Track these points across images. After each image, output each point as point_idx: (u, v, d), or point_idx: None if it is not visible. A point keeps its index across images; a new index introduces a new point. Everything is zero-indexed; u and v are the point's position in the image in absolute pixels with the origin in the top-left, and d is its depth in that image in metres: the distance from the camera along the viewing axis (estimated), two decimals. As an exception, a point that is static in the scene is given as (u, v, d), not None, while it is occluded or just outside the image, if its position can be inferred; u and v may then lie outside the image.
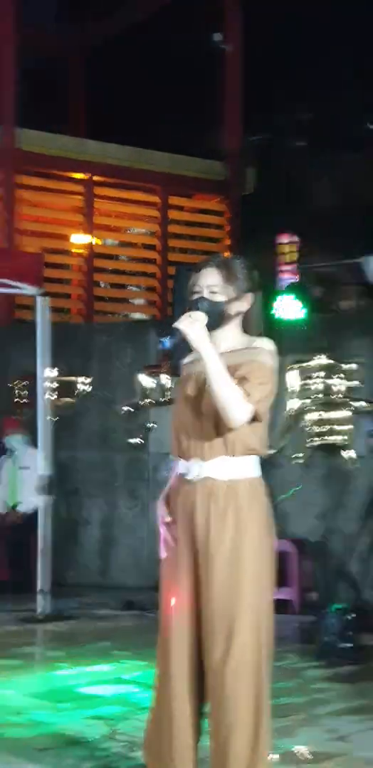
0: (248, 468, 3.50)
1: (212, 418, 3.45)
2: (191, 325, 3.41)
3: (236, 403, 3.37)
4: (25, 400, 9.67)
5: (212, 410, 3.44)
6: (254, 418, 3.44)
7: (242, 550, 3.42)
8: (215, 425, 3.45)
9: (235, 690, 3.39)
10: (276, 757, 4.26)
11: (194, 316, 3.43)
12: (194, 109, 15.56)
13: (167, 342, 3.38)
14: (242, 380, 3.41)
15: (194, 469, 3.48)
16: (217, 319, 3.51)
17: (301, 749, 4.50)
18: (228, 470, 3.47)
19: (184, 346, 3.51)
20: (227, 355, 3.49)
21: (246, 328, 3.60)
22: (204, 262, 3.59)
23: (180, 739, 3.50)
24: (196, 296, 3.53)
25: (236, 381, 3.41)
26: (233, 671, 3.39)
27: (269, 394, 3.47)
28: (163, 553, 3.59)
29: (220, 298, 3.51)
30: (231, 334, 3.55)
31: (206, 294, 3.51)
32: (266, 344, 3.52)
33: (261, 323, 3.61)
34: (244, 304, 3.56)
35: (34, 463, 8.91)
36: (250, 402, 3.40)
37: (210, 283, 3.51)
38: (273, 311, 9.57)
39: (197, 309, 3.47)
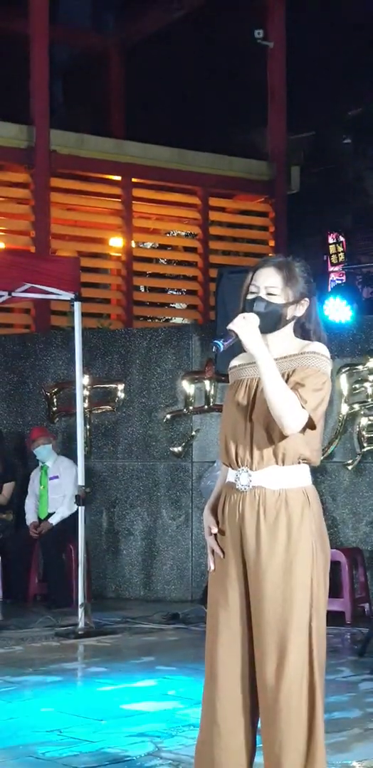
0: (300, 477, 3.44)
1: (264, 426, 3.40)
2: (245, 326, 3.35)
3: (291, 410, 3.32)
4: (56, 408, 9.67)
5: (264, 417, 3.39)
6: (308, 426, 3.39)
7: (294, 564, 3.36)
8: (266, 433, 3.40)
9: (288, 708, 3.34)
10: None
11: (247, 317, 3.38)
12: (236, 107, 15.56)
13: (222, 343, 3.32)
14: (296, 386, 3.36)
15: (243, 477, 3.43)
16: (273, 322, 3.45)
17: (356, 765, 4.41)
18: (279, 479, 3.41)
19: (236, 349, 3.46)
20: (281, 361, 3.44)
21: (303, 334, 3.54)
22: (263, 262, 3.54)
23: (229, 758, 3.44)
24: (252, 296, 3.47)
25: (290, 387, 3.36)
26: (285, 689, 3.33)
27: (324, 402, 3.41)
28: (210, 565, 3.54)
29: (278, 300, 3.46)
30: (285, 339, 3.50)
31: (263, 294, 3.46)
32: (321, 349, 3.47)
33: (321, 329, 3.55)
34: (300, 309, 3.51)
35: (64, 472, 8.92)
36: (306, 409, 3.35)
37: (269, 284, 3.46)
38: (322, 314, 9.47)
39: (252, 310, 3.41)
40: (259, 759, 3.58)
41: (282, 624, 3.34)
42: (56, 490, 8.92)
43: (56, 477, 8.92)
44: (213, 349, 3.36)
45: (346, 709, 5.41)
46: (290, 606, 3.35)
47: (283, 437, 3.39)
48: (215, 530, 3.50)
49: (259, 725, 3.49)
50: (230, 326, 3.36)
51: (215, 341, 3.35)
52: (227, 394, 3.61)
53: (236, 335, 3.35)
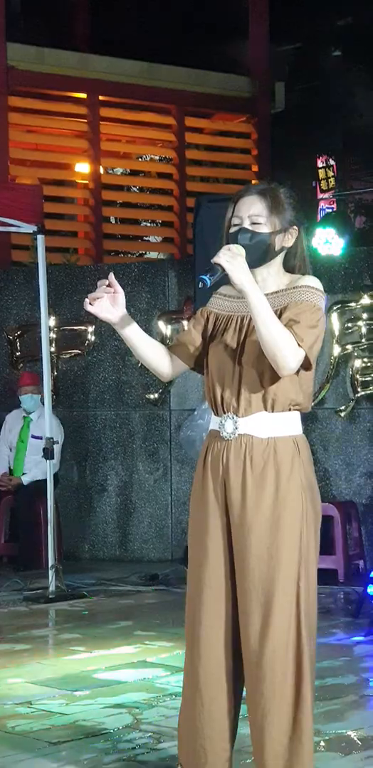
0: (291, 424, 3.47)
1: (253, 369, 3.41)
2: (232, 259, 3.35)
3: (287, 349, 3.32)
4: (19, 353, 9.65)
5: (254, 359, 3.40)
6: (304, 367, 3.40)
7: (282, 518, 3.39)
8: (256, 376, 3.41)
9: (271, 673, 3.39)
10: (321, 743, 4.26)
11: (233, 248, 3.38)
12: (213, 16, 15.40)
13: (208, 278, 3.32)
14: (290, 323, 3.36)
15: (228, 425, 3.45)
16: (260, 253, 3.45)
17: (351, 734, 4.49)
18: (268, 427, 3.43)
19: (223, 284, 3.46)
20: (271, 297, 3.44)
21: (289, 267, 3.55)
22: (244, 190, 3.53)
23: (213, 726, 3.50)
24: (235, 228, 3.47)
25: (283, 324, 3.37)
26: (269, 652, 3.38)
27: (319, 340, 3.43)
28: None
29: (264, 229, 3.45)
30: (274, 273, 3.51)
31: (247, 225, 3.46)
32: (315, 282, 3.47)
33: (309, 262, 3.56)
34: (289, 239, 3.50)
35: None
36: (302, 347, 3.36)
37: (253, 212, 3.45)
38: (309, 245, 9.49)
39: (237, 242, 3.41)
40: (247, 730, 3.65)
41: (267, 583, 3.39)
42: (36, 450, 8.66)
43: (39, 438, 8.66)
44: (199, 286, 3.35)
45: (340, 675, 5.49)
46: (277, 563, 3.39)
47: (274, 381, 3.41)
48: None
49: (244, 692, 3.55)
50: (215, 259, 3.35)
51: (201, 276, 3.34)
52: (207, 321, 3.58)
53: (223, 269, 3.35)
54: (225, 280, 3.39)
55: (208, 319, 3.59)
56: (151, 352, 3.59)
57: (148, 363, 3.61)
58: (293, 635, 3.40)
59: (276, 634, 3.38)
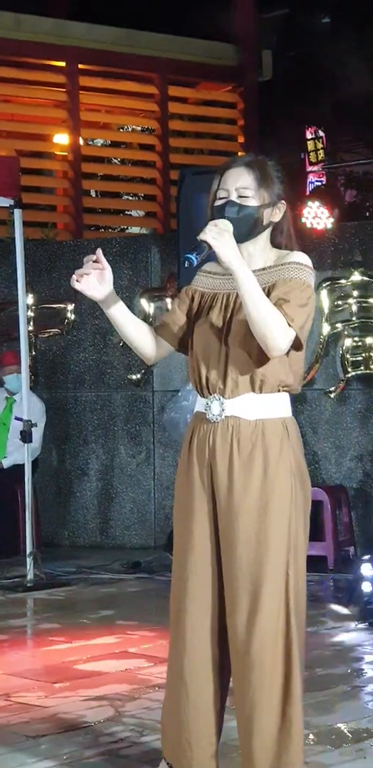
0: (279, 406, 3.47)
1: (241, 348, 3.41)
2: (219, 235, 3.33)
3: (277, 329, 3.32)
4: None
5: (241, 339, 3.40)
6: (295, 347, 3.40)
7: (270, 503, 3.40)
8: (243, 357, 3.41)
9: (260, 663, 3.39)
10: (311, 735, 4.27)
11: (219, 224, 3.36)
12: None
13: (195, 257, 3.30)
14: (280, 302, 3.36)
15: (215, 406, 3.45)
16: (248, 227, 3.45)
17: (341, 727, 4.50)
18: (256, 408, 3.43)
19: (208, 261, 3.44)
20: (259, 273, 3.44)
21: (276, 244, 3.54)
22: (230, 162, 3.53)
23: (199, 720, 3.50)
24: (221, 201, 3.45)
25: (273, 302, 3.36)
26: (257, 642, 3.38)
27: (309, 319, 3.43)
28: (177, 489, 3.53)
29: (252, 202, 3.44)
30: (261, 249, 3.50)
31: (234, 197, 3.45)
32: (304, 259, 3.47)
33: (295, 238, 3.55)
34: (277, 214, 3.50)
35: (31, 415, 8.59)
36: (293, 327, 3.35)
37: (240, 185, 3.45)
38: (298, 220, 9.47)
39: (224, 216, 3.39)
40: (234, 722, 3.65)
41: (255, 569, 3.39)
42: (18, 432, 8.66)
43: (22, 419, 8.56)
44: (186, 265, 3.33)
45: (329, 665, 5.51)
46: (265, 550, 3.39)
47: (263, 361, 3.40)
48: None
49: (231, 684, 3.55)
50: (201, 236, 3.34)
51: (187, 255, 3.32)
52: (193, 300, 3.57)
53: (209, 246, 3.33)
54: (212, 257, 3.37)
55: (193, 298, 3.58)
56: (137, 333, 3.58)
57: (134, 343, 3.59)
58: (282, 624, 3.40)
59: (265, 623, 3.38)
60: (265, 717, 3.40)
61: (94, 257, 3.46)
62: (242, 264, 3.34)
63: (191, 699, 3.50)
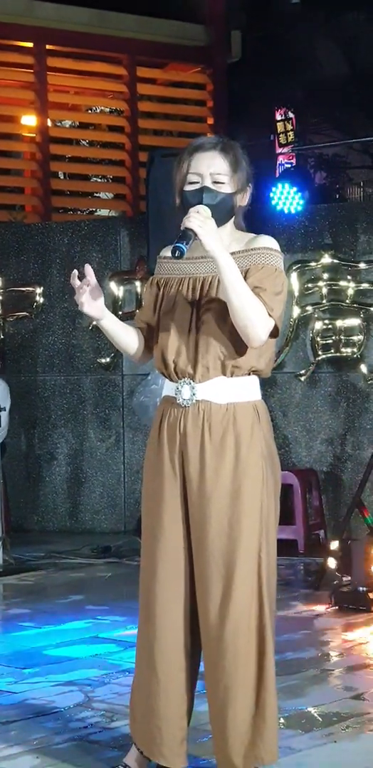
0: (250, 389, 3.48)
1: (211, 332, 3.42)
2: (204, 223, 3.33)
3: (259, 320, 3.34)
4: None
5: (211, 323, 3.42)
6: (272, 335, 3.43)
7: (242, 488, 3.41)
8: (214, 341, 3.42)
9: (234, 647, 3.40)
10: (281, 720, 4.29)
11: (203, 212, 3.36)
12: None
13: (185, 246, 3.30)
14: (256, 289, 3.37)
15: (185, 391, 3.45)
16: (223, 214, 3.46)
17: (311, 711, 4.53)
18: (227, 392, 3.44)
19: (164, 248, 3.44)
20: None
21: (236, 224, 3.56)
22: (200, 144, 3.51)
23: (169, 706, 3.51)
24: (194, 186, 3.44)
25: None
26: (231, 627, 3.39)
27: (284, 306, 3.45)
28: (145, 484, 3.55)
29: (227, 189, 3.45)
30: (228, 233, 3.51)
31: (208, 183, 3.44)
32: (272, 243, 3.49)
33: (242, 220, 3.57)
34: (245, 198, 3.51)
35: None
36: (272, 317, 3.37)
37: (215, 170, 3.44)
38: (266, 202, 9.47)
39: (201, 203, 3.39)
40: (203, 707, 3.66)
41: (228, 555, 3.40)
42: None
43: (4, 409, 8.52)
44: (176, 255, 3.32)
45: (299, 649, 5.53)
46: (237, 535, 3.40)
47: (234, 346, 3.41)
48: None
49: (202, 669, 3.56)
50: (187, 224, 3.33)
51: (178, 245, 3.31)
52: (159, 289, 3.57)
53: (195, 234, 3.33)
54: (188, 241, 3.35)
55: (158, 287, 3.58)
56: (131, 340, 3.62)
57: (127, 350, 3.64)
58: (254, 608, 3.42)
59: (238, 607, 3.40)
60: (239, 702, 3.42)
61: (77, 273, 3.46)
62: (225, 252, 3.35)
63: (162, 685, 3.51)
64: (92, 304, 3.47)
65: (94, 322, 3.55)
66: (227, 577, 3.41)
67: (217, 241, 3.33)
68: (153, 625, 3.51)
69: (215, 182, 3.45)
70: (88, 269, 3.45)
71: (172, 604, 3.49)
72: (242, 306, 3.33)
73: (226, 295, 3.36)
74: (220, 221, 3.44)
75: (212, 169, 3.45)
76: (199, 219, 3.33)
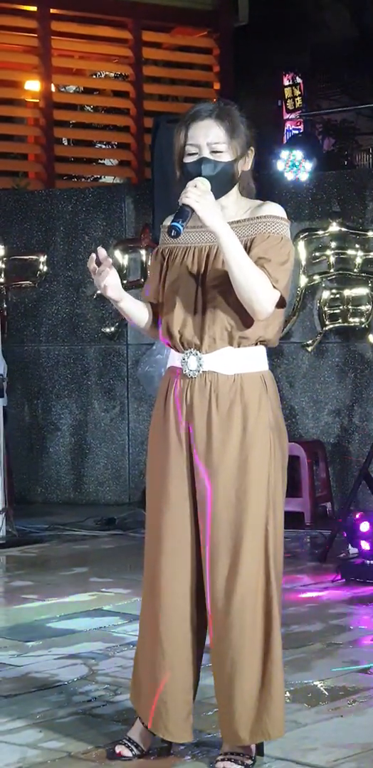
0: (257, 360, 3.47)
1: (218, 302, 3.41)
2: (202, 198, 3.31)
3: (263, 293, 3.33)
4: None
5: (218, 293, 3.40)
6: (279, 305, 3.41)
7: (250, 459, 3.40)
8: (221, 311, 3.41)
9: (241, 621, 3.40)
10: (287, 694, 4.30)
11: (201, 186, 3.33)
12: None
13: (181, 225, 3.27)
14: (261, 261, 3.36)
15: (192, 361, 3.44)
16: (224, 183, 3.43)
17: (317, 684, 4.53)
18: (234, 363, 3.43)
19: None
20: (233, 227, 3.42)
21: (241, 191, 3.52)
22: (196, 113, 3.46)
23: (175, 680, 3.51)
24: (193, 157, 3.41)
25: (253, 261, 3.35)
26: (238, 600, 3.39)
27: (290, 275, 3.43)
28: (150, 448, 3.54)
29: (226, 157, 3.41)
30: (232, 201, 3.48)
31: (206, 153, 3.41)
32: (278, 211, 3.46)
33: (252, 183, 3.54)
34: (248, 162, 3.48)
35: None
36: (277, 288, 3.36)
37: (212, 139, 3.41)
38: (274, 169, 9.44)
39: (200, 174, 3.36)
40: (208, 680, 3.67)
41: (235, 527, 3.39)
42: None
43: None
44: (172, 234, 3.30)
45: (306, 622, 5.53)
46: (245, 507, 3.39)
47: (241, 316, 3.40)
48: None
49: (207, 643, 3.56)
50: (184, 200, 3.31)
51: (174, 224, 3.29)
52: (164, 258, 3.55)
53: (192, 210, 3.31)
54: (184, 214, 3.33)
55: (163, 257, 3.56)
56: (143, 315, 3.60)
57: (140, 326, 3.63)
58: (261, 581, 3.42)
59: (245, 581, 3.39)
60: (246, 676, 3.42)
61: (94, 257, 3.44)
62: (225, 226, 3.33)
63: (167, 659, 3.51)
64: (114, 288, 3.47)
65: (112, 304, 3.53)
66: (234, 549, 3.40)
67: (216, 215, 3.31)
68: (158, 598, 3.50)
69: (213, 152, 3.42)
70: (102, 252, 3.43)
71: (178, 577, 3.49)
72: (245, 279, 3.32)
73: (228, 269, 3.34)
74: (222, 190, 3.42)
75: (208, 138, 3.42)
76: (196, 194, 3.31)
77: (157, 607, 3.51)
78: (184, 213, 3.30)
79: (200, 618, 3.53)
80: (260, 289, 3.33)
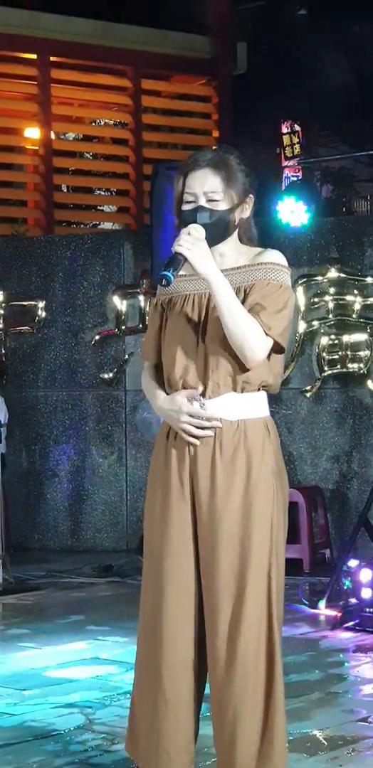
0: (260, 405, 3.47)
1: (220, 348, 3.41)
2: (194, 246, 3.32)
3: (254, 340, 3.33)
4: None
5: (219, 338, 3.40)
6: (276, 351, 3.41)
7: (254, 506, 3.39)
8: (223, 356, 3.41)
9: (244, 668, 3.37)
10: (287, 744, 4.26)
11: (193, 232, 3.34)
12: (171, -29, 15.32)
13: (171, 274, 3.28)
14: (257, 308, 3.36)
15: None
16: (221, 231, 3.44)
17: (316, 734, 4.50)
18: (238, 408, 3.43)
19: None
20: (233, 272, 3.44)
21: (241, 237, 3.53)
22: (193, 162, 3.47)
23: (178, 729, 3.47)
24: (190, 206, 3.43)
25: (248, 308, 3.36)
26: (243, 648, 3.36)
27: (289, 322, 3.43)
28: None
29: (222, 206, 3.43)
30: (232, 248, 3.49)
31: (202, 202, 3.42)
32: (278, 258, 3.46)
33: (253, 228, 3.54)
34: (246, 210, 3.49)
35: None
36: (271, 335, 3.36)
37: (208, 188, 3.43)
38: (273, 215, 9.47)
39: (196, 221, 3.37)
40: (206, 730, 3.63)
41: (238, 573, 3.38)
42: None
43: None
44: (163, 283, 3.31)
45: (305, 671, 5.50)
46: (248, 553, 3.38)
47: (244, 366, 3.41)
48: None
49: (208, 692, 3.53)
50: (176, 248, 3.32)
51: (164, 273, 3.29)
52: (163, 310, 3.56)
53: (185, 258, 3.32)
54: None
55: (163, 308, 3.57)
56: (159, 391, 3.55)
57: None
58: (264, 628, 3.39)
59: (248, 628, 3.37)
60: (248, 725, 3.38)
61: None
62: (219, 275, 3.34)
63: (171, 707, 3.47)
64: None
65: None
66: (237, 597, 3.38)
67: (208, 262, 3.33)
68: (160, 645, 3.47)
69: (210, 200, 3.43)
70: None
71: (179, 625, 3.46)
72: (236, 325, 3.33)
73: (220, 315, 3.35)
74: (218, 238, 3.43)
75: (204, 187, 3.44)
76: (188, 242, 3.32)
77: (159, 655, 3.48)
78: (175, 261, 3.31)
79: (202, 666, 3.51)
80: (251, 336, 3.34)
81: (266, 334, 3.37)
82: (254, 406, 3.45)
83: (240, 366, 3.41)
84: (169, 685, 3.46)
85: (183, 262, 3.30)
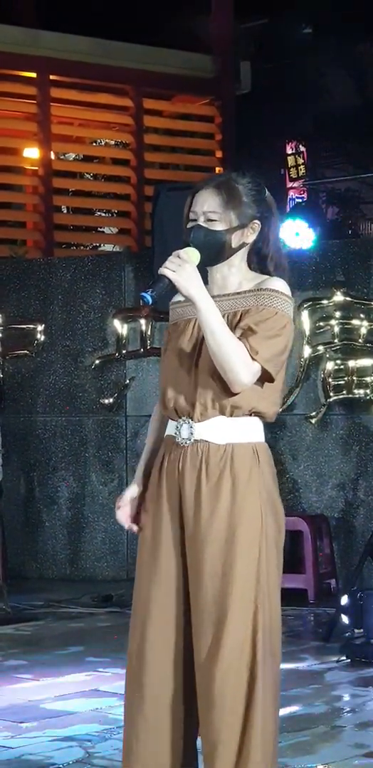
0: (250, 430, 3.48)
1: (209, 372, 3.45)
2: (180, 268, 3.36)
3: (238, 364, 3.36)
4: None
5: (210, 363, 3.43)
6: (265, 379, 3.42)
7: (238, 531, 3.40)
8: (214, 380, 3.44)
9: (222, 701, 3.36)
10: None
11: (183, 256, 3.39)
12: (173, -11, 15.40)
13: (149, 296, 3.33)
14: (247, 332, 3.39)
15: (184, 430, 3.47)
16: (215, 252, 3.48)
17: (322, 769, 4.49)
18: (225, 432, 3.45)
19: (171, 294, 3.46)
20: (233, 297, 3.48)
21: (257, 263, 3.57)
22: (203, 182, 3.57)
23: (163, 757, 3.47)
24: (191, 224, 3.50)
25: (240, 332, 3.38)
26: (221, 676, 3.36)
27: (282, 350, 3.45)
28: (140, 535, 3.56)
29: (219, 226, 3.47)
30: (235, 272, 3.53)
31: (201, 221, 3.48)
32: (281, 286, 3.49)
33: (282, 258, 3.56)
34: (250, 234, 3.52)
35: None
36: (257, 361, 3.38)
37: (207, 208, 3.49)
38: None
39: (189, 239, 3.43)
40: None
41: (220, 600, 3.37)
42: None
43: None
44: (141, 303, 3.37)
45: (310, 704, 5.50)
46: (230, 580, 3.38)
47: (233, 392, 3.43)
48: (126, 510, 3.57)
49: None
50: (162, 270, 3.38)
51: (143, 294, 3.36)
52: (169, 335, 3.61)
53: (169, 281, 3.36)
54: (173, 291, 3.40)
55: (169, 334, 3.62)
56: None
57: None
58: (246, 659, 3.38)
59: (227, 656, 3.36)
60: (221, 760, 3.38)
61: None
62: (203, 295, 3.38)
63: (150, 735, 3.47)
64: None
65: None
66: (218, 623, 3.38)
67: (192, 284, 3.37)
68: (143, 671, 3.48)
69: (208, 220, 3.50)
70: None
71: (164, 647, 3.47)
72: (218, 347, 3.37)
73: (205, 338, 3.39)
74: (212, 259, 3.49)
75: (204, 207, 3.51)
76: (175, 263, 3.38)
77: (142, 683, 3.48)
78: (158, 283, 3.36)
79: (192, 699, 3.49)
80: (234, 359, 3.37)
81: (253, 358, 3.39)
82: (242, 431, 3.47)
83: (228, 390, 3.44)
84: (153, 716, 3.46)
85: (168, 284, 3.35)
